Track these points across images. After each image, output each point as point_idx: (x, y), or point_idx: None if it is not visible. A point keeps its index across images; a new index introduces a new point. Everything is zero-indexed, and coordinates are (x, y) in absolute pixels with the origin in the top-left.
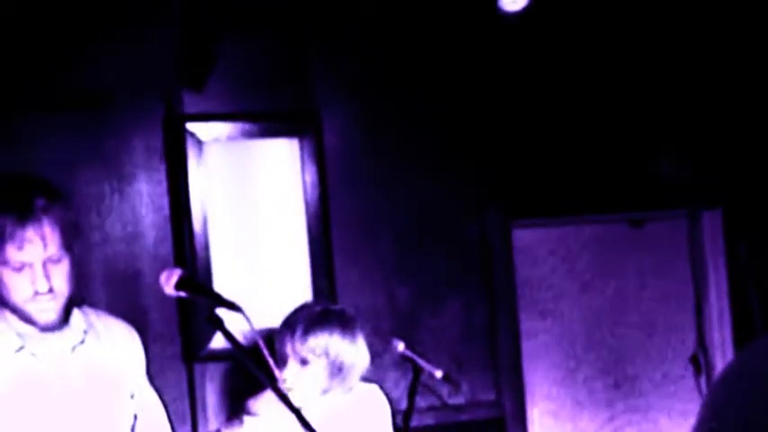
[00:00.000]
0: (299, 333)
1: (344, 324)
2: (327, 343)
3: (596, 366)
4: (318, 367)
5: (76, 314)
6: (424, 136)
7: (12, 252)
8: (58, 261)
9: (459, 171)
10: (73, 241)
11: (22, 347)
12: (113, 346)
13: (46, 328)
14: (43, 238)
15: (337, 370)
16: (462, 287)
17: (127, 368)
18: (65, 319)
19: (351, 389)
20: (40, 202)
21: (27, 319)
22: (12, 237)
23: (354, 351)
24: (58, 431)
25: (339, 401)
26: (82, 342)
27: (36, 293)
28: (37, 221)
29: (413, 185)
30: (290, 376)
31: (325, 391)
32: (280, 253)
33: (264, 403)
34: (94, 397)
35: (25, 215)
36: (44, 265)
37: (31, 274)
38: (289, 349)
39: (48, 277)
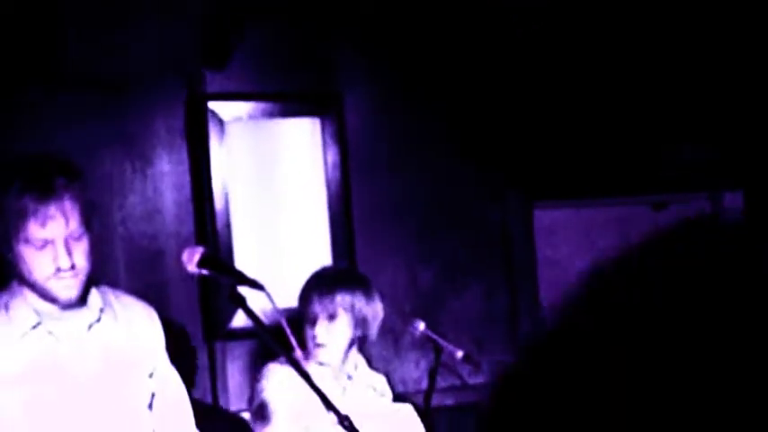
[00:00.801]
0: (327, 291)
1: (364, 282)
2: (352, 299)
3: None
4: (344, 321)
5: (94, 293)
6: (446, 117)
7: (34, 230)
8: (79, 238)
9: (480, 152)
10: (92, 219)
11: (39, 323)
12: (130, 326)
13: (67, 306)
14: (65, 215)
15: (360, 323)
16: (483, 268)
17: (144, 347)
18: (83, 297)
19: (371, 338)
20: (60, 181)
21: (48, 296)
22: (34, 214)
23: (373, 306)
24: (73, 408)
25: (359, 389)
26: (98, 320)
27: (58, 270)
28: (58, 199)
29: (434, 167)
30: (321, 332)
31: (349, 345)
32: (301, 232)
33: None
34: (110, 375)
35: (47, 193)
36: (66, 241)
37: (53, 251)
38: (318, 307)
39: (70, 254)
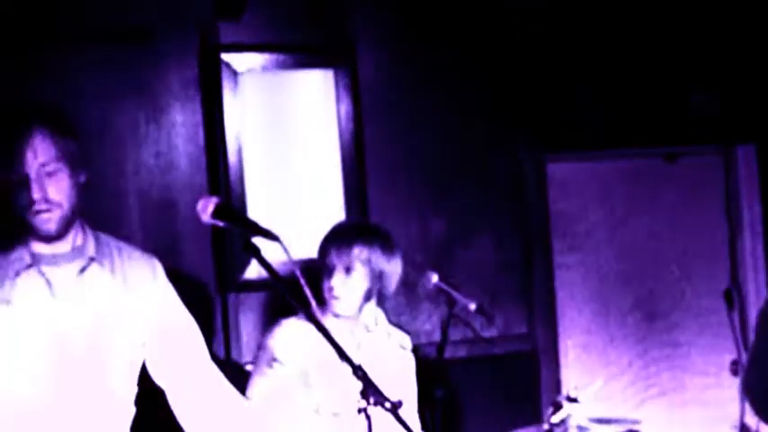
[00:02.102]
0: (344, 244)
1: (382, 237)
2: (369, 253)
3: (629, 300)
4: (360, 274)
5: (90, 242)
6: (458, 70)
7: (7, 163)
8: (53, 173)
9: (493, 105)
10: (75, 160)
11: (30, 266)
12: (126, 279)
13: (48, 239)
14: (34, 149)
15: (377, 277)
16: (496, 220)
17: (138, 305)
18: (80, 247)
19: (387, 298)
20: (33, 119)
21: (32, 231)
22: (9, 151)
23: (391, 261)
24: (54, 351)
25: (376, 342)
26: (83, 270)
27: (32, 202)
28: (29, 135)
29: (447, 118)
30: (337, 284)
31: (366, 298)
32: (314, 184)
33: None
34: (95, 324)
35: (18, 130)
36: (38, 175)
37: (28, 184)
38: (335, 259)
39: (42, 187)
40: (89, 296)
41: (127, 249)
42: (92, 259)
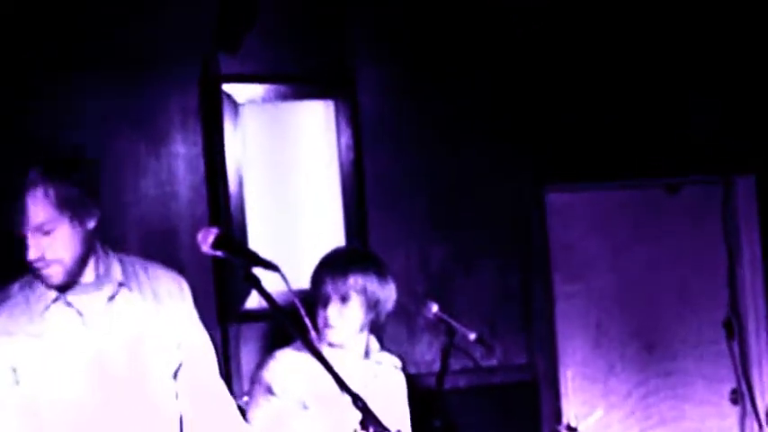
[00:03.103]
0: (339, 273)
1: (377, 264)
2: (365, 281)
3: (629, 330)
4: (356, 303)
5: (115, 266)
6: (458, 99)
7: (15, 220)
8: (48, 232)
9: (493, 134)
10: (74, 209)
11: (57, 298)
12: (156, 297)
13: (57, 288)
14: (30, 209)
15: (372, 306)
16: (496, 250)
17: (170, 319)
18: (105, 273)
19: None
20: (32, 175)
21: None
22: (16, 205)
23: (385, 288)
24: (93, 379)
25: (369, 369)
26: (116, 294)
27: (30, 261)
28: (29, 193)
29: (447, 149)
30: (332, 314)
31: (362, 328)
32: (314, 215)
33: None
34: (130, 347)
35: (17, 191)
36: (34, 235)
37: (25, 244)
38: (330, 288)
39: (38, 247)
40: (121, 321)
41: (152, 267)
42: (120, 285)
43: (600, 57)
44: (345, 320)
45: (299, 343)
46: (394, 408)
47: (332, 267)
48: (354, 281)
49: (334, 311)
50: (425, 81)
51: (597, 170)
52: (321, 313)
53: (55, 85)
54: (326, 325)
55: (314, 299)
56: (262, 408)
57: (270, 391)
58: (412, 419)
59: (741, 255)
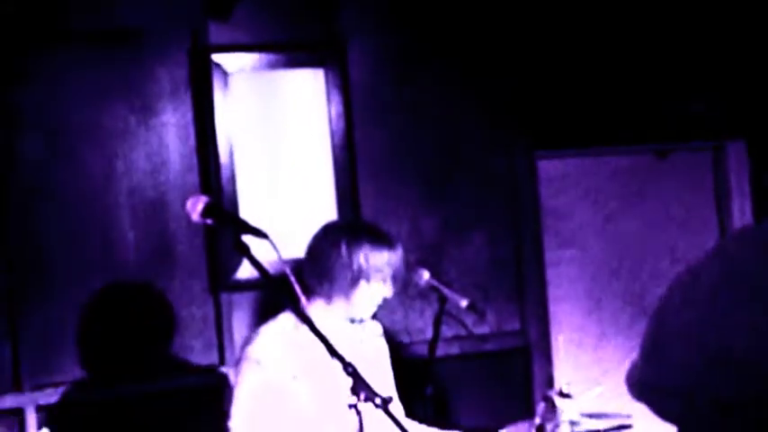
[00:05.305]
0: (367, 252)
1: (391, 238)
2: (389, 257)
3: (620, 297)
4: (382, 280)
5: None
6: (449, 67)
7: None
8: None
9: (484, 102)
10: None
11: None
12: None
13: None
14: None
15: (393, 280)
16: (487, 218)
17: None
18: None
19: (363, 321)
20: None
21: None
22: None
23: (402, 261)
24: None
25: (354, 333)
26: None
27: None
28: None
29: (438, 117)
30: (379, 293)
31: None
32: (305, 183)
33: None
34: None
35: None
36: None
37: None
38: (380, 268)
39: None
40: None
41: None
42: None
43: (590, 24)
44: (374, 298)
45: (283, 315)
46: (380, 371)
47: (379, 246)
48: (381, 259)
49: (381, 290)
50: (416, 50)
51: (587, 137)
52: (362, 290)
53: (42, 58)
54: (369, 303)
55: (346, 274)
56: (250, 379)
57: (258, 363)
58: (404, 387)
59: (732, 220)
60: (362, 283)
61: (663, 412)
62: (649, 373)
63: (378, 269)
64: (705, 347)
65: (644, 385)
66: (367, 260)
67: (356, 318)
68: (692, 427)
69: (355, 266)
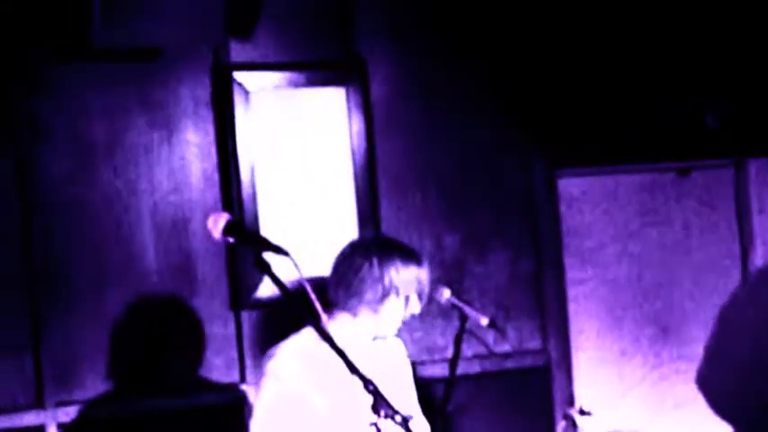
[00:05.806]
0: (398, 267)
1: (419, 254)
2: (418, 273)
3: (642, 314)
4: (411, 295)
5: None
6: (470, 85)
7: None
8: None
9: (505, 120)
10: None
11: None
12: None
13: None
14: None
15: (420, 296)
16: (508, 235)
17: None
18: None
19: (386, 338)
20: None
21: None
22: None
23: (429, 277)
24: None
25: (375, 351)
26: None
27: None
28: None
29: (459, 134)
30: (411, 309)
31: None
32: (326, 201)
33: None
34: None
35: None
36: None
37: None
38: (414, 285)
39: None
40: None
41: None
42: None
43: (611, 41)
44: (402, 313)
45: (305, 330)
46: (402, 389)
47: (409, 261)
48: (410, 274)
49: (409, 305)
50: (436, 68)
51: (608, 155)
52: (391, 304)
53: (67, 76)
54: (396, 318)
55: (377, 287)
56: (269, 393)
57: (278, 378)
58: (425, 406)
59: (753, 237)
60: (392, 296)
61: (720, 412)
62: (709, 374)
63: (408, 283)
64: (762, 351)
65: (704, 385)
66: (398, 274)
67: (381, 334)
68: (745, 428)
69: (386, 280)
